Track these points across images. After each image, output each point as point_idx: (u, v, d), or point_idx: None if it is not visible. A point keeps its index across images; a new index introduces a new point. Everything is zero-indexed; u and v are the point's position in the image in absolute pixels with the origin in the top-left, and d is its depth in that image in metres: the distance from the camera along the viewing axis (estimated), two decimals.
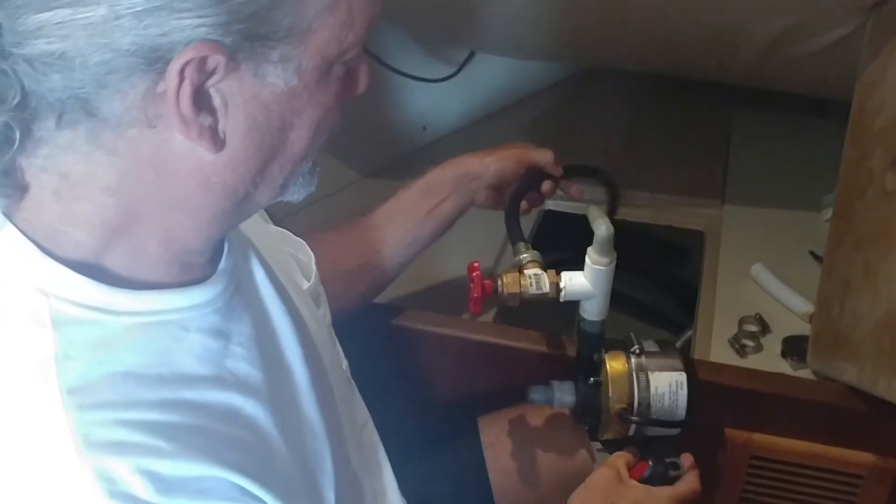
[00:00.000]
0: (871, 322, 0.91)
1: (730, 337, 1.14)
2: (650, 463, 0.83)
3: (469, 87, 1.65)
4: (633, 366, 0.86)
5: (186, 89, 0.49)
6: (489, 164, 0.99)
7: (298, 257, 0.82)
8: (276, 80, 0.51)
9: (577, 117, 1.73)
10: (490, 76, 1.70)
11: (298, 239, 0.84)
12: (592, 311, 0.87)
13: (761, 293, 1.23)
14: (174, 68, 0.48)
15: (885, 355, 0.88)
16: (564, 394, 0.88)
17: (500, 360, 0.99)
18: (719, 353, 1.12)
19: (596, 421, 0.88)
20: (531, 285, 0.83)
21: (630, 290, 1.62)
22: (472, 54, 1.60)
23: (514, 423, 1.00)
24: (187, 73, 0.48)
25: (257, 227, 0.73)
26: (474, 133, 1.66)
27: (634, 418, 0.84)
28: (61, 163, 0.52)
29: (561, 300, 0.84)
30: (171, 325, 0.57)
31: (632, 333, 0.90)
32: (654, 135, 1.66)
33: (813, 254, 1.27)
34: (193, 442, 0.54)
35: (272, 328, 0.66)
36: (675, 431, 0.86)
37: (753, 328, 1.15)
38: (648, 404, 0.85)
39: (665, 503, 0.81)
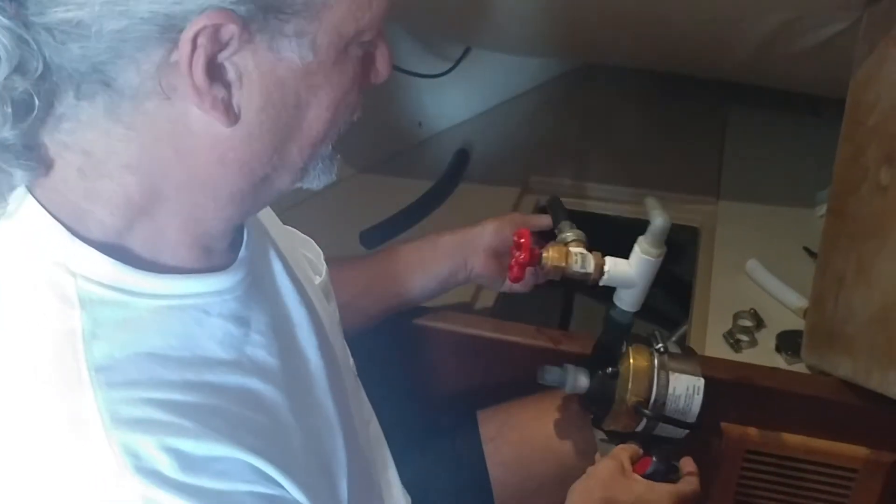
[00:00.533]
0: (866, 316, 0.92)
1: (724, 332, 1.15)
2: (654, 459, 0.83)
3: (465, 83, 1.65)
4: (657, 363, 0.86)
5: (200, 59, 0.49)
6: (486, 228, 0.99)
7: (307, 255, 0.83)
8: (291, 55, 0.51)
9: (572, 114, 1.73)
10: (486, 72, 1.70)
11: (306, 237, 0.85)
12: (628, 301, 0.86)
13: (756, 288, 1.23)
14: (187, 36, 0.48)
15: (880, 349, 0.88)
16: (579, 378, 0.87)
17: (499, 355, 0.99)
18: (714, 347, 1.13)
19: (604, 411, 0.87)
20: (576, 262, 0.82)
21: None
22: (468, 50, 1.60)
23: (514, 417, 1.00)
24: (200, 41, 0.48)
25: (272, 222, 0.73)
26: (470, 130, 1.67)
27: (648, 413, 0.84)
28: (83, 139, 0.52)
29: (601, 283, 0.84)
30: (193, 309, 0.57)
31: (656, 332, 0.90)
32: (649, 131, 1.66)
33: (807, 249, 1.28)
34: (215, 423, 0.54)
35: (289, 319, 0.66)
36: (682, 433, 0.86)
37: (748, 323, 1.16)
38: (664, 403, 0.85)
39: (667, 499, 0.81)
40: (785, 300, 1.19)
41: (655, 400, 0.85)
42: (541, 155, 1.59)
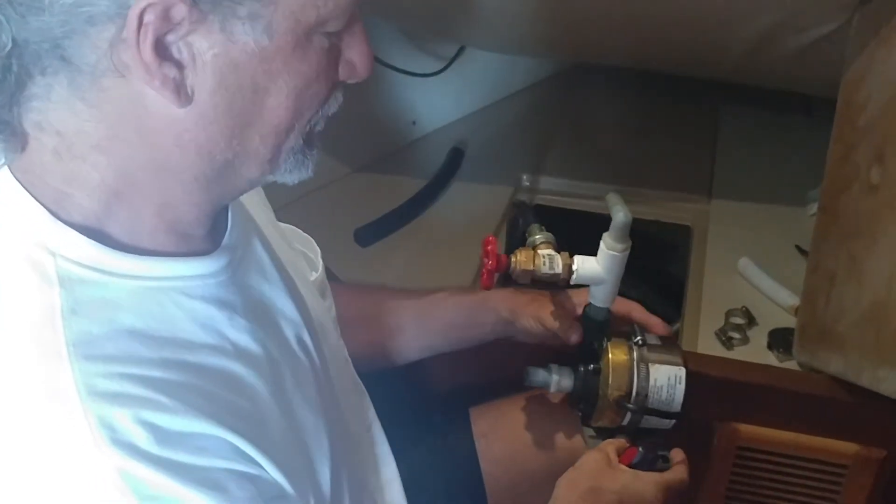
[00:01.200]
0: (857, 314, 0.93)
1: (716, 329, 1.15)
2: (640, 449, 0.84)
3: (459, 82, 1.65)
4: (635, 356, 0.87)
5: (148, 36, 0.49)
6: (536, 325, 0.94)
7: (306, 253, 0.83)
8: (245, 38, 0.51)
9: (566, 113, 1.73)
10: (480, 72, 1.70)
11: (306, 235, 0.85)
12: (600, 298, 0.87)
13: (748, 286, 1.24)
14: (134, 13, 0.48)
15: (870, 346, 0.89)
16: (563, 378, 0.89)
17: (491, 352, 0.99)
18: (706, 345, 1.14)
19: (591, 407, 0.88)
20: (544, 264, 0.83)
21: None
22: (462, 49, 1.60)
23: (506, 414, 1.00)
24: (148, 18, 0.49)
25: (265, 222, 0.74)
26: (463, 129, 1.66)
27: (631, 406, 0.85)
28: (55, 119, 0.53)
29: (571, 283, 0.85)
30: (173, 291, 0.58)
31: (635, 325, 0.91)
32: (642, 131, 1.66)
33: (799, 248, 1.28)
34: (193, 401, 0.54)
35: (274, 308, 0.67)
36: (668, 424, 0.87)
37: (740, 321, 1.17)
38: (646, 395, 0.86)
39: (652, 488, 0.82)
40: (777, 298, 1.20)
41: (637, 393, 0.86)
42: (534, 154, 1.59)
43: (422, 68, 1.55)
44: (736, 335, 1.14)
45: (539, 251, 0.84)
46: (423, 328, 0.97)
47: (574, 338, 0.89)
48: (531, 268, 0.83)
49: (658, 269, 1.56)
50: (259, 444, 0.57)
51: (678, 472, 0.85)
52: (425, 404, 1.04)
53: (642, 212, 1.44)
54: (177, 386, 0.54)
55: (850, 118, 1.03)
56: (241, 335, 0.60)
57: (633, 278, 1.72)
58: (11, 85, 0.52)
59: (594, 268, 0.84)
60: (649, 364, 0.87)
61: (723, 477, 1.07)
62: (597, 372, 0.88)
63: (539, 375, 0.89)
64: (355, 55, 0.57)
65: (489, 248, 0.82)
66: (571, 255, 0.85)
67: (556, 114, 1.73)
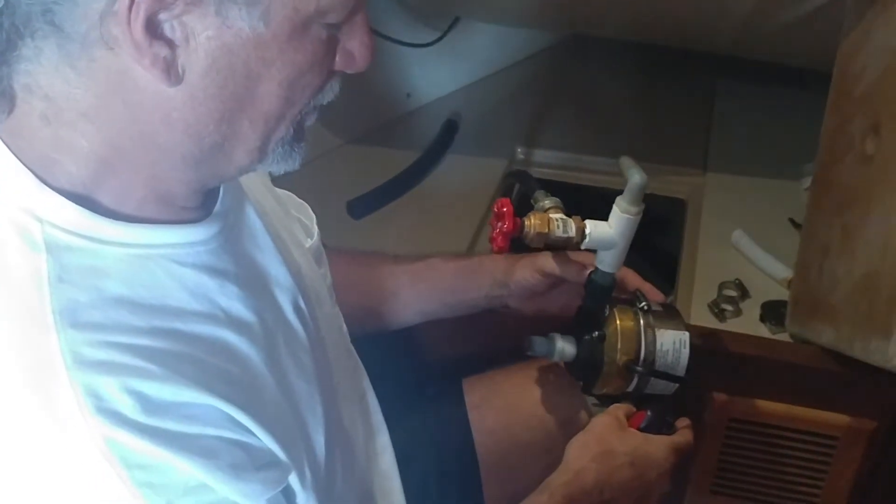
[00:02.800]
0: (850, 285, 0.93)
1: (709, 302, 1.15)
2: (648, 413, 0.85)
3: (453, 54, 1.64)
4: (642, 321, 0.87)
5: (140, 13, 0.48)
6: (534, 275, 0.94)
7: (301, 219, 0.83)
8: (240, 23, 0.50)
9: (561, 86, 1.72)
10: (475, 43, 1.69)
11: (301, 201, 0.85)
12: (608, 263, 0.86)
13: (741, 259, 1.24)
14: None
15: (863, 317, 0.89)
16: (566, 346, 0.88)
17: (484, 322, 0.99)
18: (699, 317, 1.14)
19: (594, 375, 0.88)
20: (558, 227, 0.82)
21: None
22: (456, 20, 1.59)
23: (499, 385, 1.00)
24: None
25: (259, 189, 0.73)
26: (458, 100, 1.65)
27: (640, 369, 0.85)
28: (45, 84, 0.52)
29: (583, 247, 0.84)
30: (163, 258, 0.57)
31: (637, 291, 0.91)
32: (637, 104, 1.65)
33: (792, 221, 1.28)
34: (184, 369, 0.54)
35: (268, 275, 0.66)
36: (672, 388, 0.87)
37: (733, 293, 1.17)
38: (653, 360, 0.86)
39: (663, 449, 0.83)
40: (770, 271, 1.20)
41: (645, 357, 0.86)
42: (528, 127, 1.58)
43: (416, 39, 1.53)
44: (729, 307, 1.14)
45: (551, 215, 0.83)
46: (417, 292, 0.96)
47: (582, 274, 0.88)
48: (546, 231, 0.81)
49: (652, 242, 1.55)
50: (251, 411, 0.57)
51: (685, 434, 0.87)
52: (418, 375, 1.04)
53: None
54: (166, 354, 0.54)
55: (846, 89, 1.02)
56: (232, 303, 0.60)
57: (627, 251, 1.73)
58: (2, 43, 0.51)
59: (607, 231, 0.83)
60: (655, 329, 0.87)
61: (714, 449, 1.08)
62: (601, 339, 0.87)
63: (542, 344, 0.88)
64: (355, 45, 0.56)
65: (505, 209, 0.81)
66: (583, 220, 0.84)
67: (551, 86, 1.72)
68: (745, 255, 1.24)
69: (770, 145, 1.49)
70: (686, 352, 0.87)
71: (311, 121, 0.59)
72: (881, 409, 0.99)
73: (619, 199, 0.83)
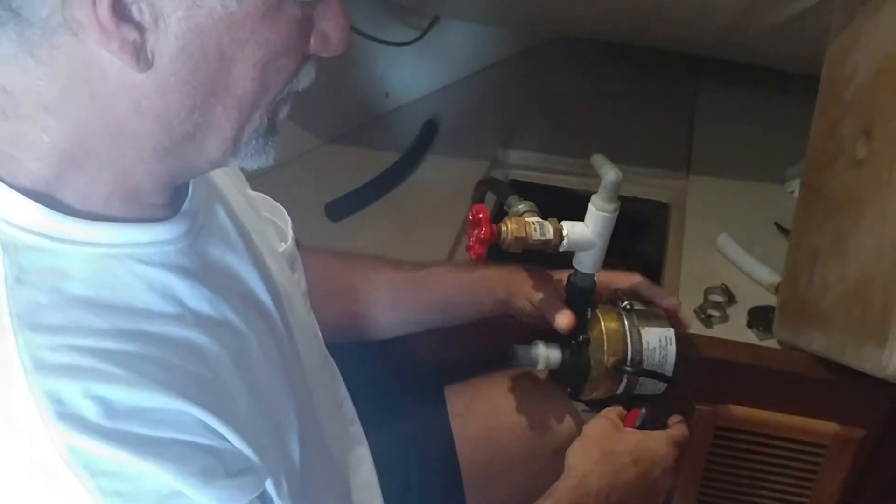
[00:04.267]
0: (842, 291, 0.91)
1: (696, 307, 1.13)
2: (643, 410, 0.84)
3: (433, 53, 1.62)
4: (626, 321, 0.85)
5: None
6: (528, 305, 0.90)
7: (276, 223, 0.80)
8: (211, 2, 0.48)
9: (543, 87, 1.71)
10: (455, 43, 1.68)
11: (277, 204, 0.82)
12: (588, 264, 0.84)
13: (727, 264, 1.23)
14: None
15: (855, 324, 0.87)
16: (551, 353, 0.86)
17: (467, 329, 0.96)
18: None
19: (582, 380, 0.86)
20: (535, 231, 0.80)
21: None
22: (436, 19, 1.56)
23: (482, 393, 0.98)
24: None
25: (231, 191, 0.70)
26: (438, 101, 1.64)
27: (629, 369, 0.83)
28: (2, 74, 0.50)
29: (561, 249, 0.82)
30: (129, 258, 0.54)
31: (617, 290, 0.89)
32: (620, 106, 1.64)
33: (778, 225, 1.27)
34: (152, 372, 0.52)
35: (239, 278, 0.64)
36: (661, 387, 0.85)
37: (719, 299, 1.15)
38: (641, 360, 0.85)
39: (664, 443, 0.82)
40: (756, 275, 1.19)
41: (632, 357, 0.84)
42: (510, 128, 1.57)
43: (395, 37, 1.51)
44: (715, 313, 1.12)
45: (527, 218, 0.81)
46: (418, 302, 0.94)
47: (565, 322, 0.85)
48: (524, 234, 0.79)
49: (636, 247, 1.54)
50: (224, 415, 0.54)
51: (681, 428, 0.86)
52: (399, 382, 1.01)
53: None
54: (132, 357, 0.52)
55: (836, 92, 1.01)
56: (202, 304, 0.58)
57: (610, 256, 1.72)
58: None
59: (584, 231, 0.82)
60: (640, 328, 0.85)
61: (701, 457, 1.06)
62: (587, 342, 0.85)
63: (526, 353, 0.86)
64: (330, 27, 0.54)
65: (481, 215, 0.78)
66: (559, 221, 0.82)
67: (532, 87, 1.71)
68: (731, 260, 1.23)
69: (754, 148, 1.49)
70: (672, 349, 0.86)
71: (285, 111, 0.57)
72: (870, 417, 0.98)
73: (594, 198, 0.82)
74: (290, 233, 0.81)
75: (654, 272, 1.34)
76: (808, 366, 0.98)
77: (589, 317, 0.87)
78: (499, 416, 0.95)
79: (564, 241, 0.81)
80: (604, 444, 0.82)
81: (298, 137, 1.46)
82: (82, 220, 0.53)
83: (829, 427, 1.00)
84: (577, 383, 0.87)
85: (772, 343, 1.06)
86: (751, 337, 1.09)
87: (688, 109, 1.62)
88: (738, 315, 1.13)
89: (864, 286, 0.87)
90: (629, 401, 0.87)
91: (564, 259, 0.88)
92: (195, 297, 0.57)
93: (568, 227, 0.81)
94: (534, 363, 0.87)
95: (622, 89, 1.70)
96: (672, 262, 1.26)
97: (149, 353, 0.53)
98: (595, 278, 0.87)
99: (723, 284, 1.17)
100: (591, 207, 0.82)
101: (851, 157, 0.95)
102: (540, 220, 0.81)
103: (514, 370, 0.97)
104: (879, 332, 0.81)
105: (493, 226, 0.79)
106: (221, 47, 0.49)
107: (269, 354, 0.64)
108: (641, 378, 0.85)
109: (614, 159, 1.45)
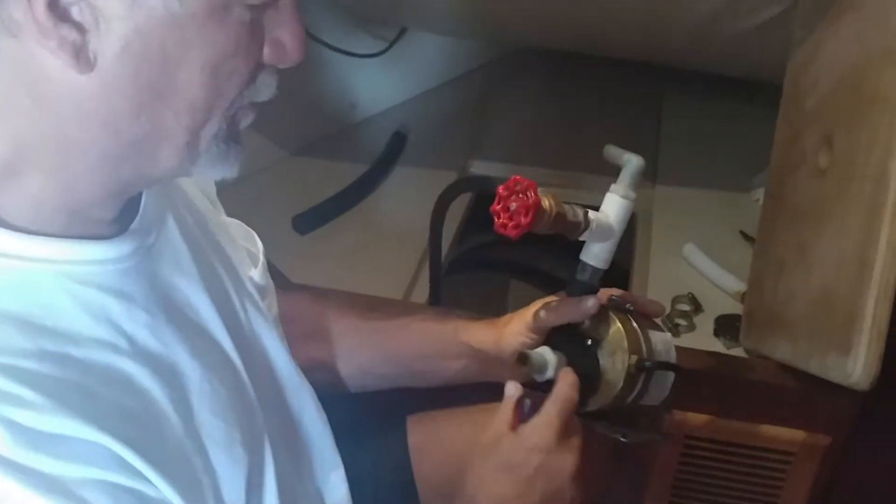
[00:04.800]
0: (806, 300, 0.91)
1: (663, 316, 1.13)
2: (526, 400, 0.72)
3: (401, 64, 1.62)
4: (635, 322, 0.79)
5: None
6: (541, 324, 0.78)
7: (249, 248, 0.76)
8: (154, 2, 0.46)
9: (510, 98, 1.71)
10: (423, 54, 1.67)
11: (249, 229, 0.78)
12: (602, 257, 0.78)
13: (693, 273, 1.23)
14: None
15: (819, 333, 0.87)
16: (561, 359, 0.75)
17: None
18: None
19: (592, 388, 0.77)
20: (568, 210, 0.72)
21: (561, 272, 1.59)
22: (403, 30, 1.56)
23: (443, 429, 0.90)
24: None
25: (199, 212, 0.68)
26: (406, 112, 1.63)
27: (649, 364, 0.76)
28: None
29: (582, 237, 0.75)
30: (64, 276, 0.52)
31: (612, 296, 0.81)
32: (586, 116, 1.65)
33: (744, 234, 1.28)
34: (71, 400, 0.48)
35: (188, 304, 0.61)
36: (666, 392, 0.80)
37: (686, 307, 1.16)
38: (657, 359, 0.78)
39: (537, 433, 0.68)
40: (722, 284, 1.19)
41: (649, 354, 0.78)
42: (478, 139, 1.57)
43: (363, 49, 1.50)
44: (682, 322, 1.12)
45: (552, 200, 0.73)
46: (379, 354, 0.86)
47: (592, 302, 0.75)
48: (563, 212, 0.71)
49: None
50: (147, 452, 0.51)
51: (559, 395, 0.70)
52: (360, 409, 0.96)
53: (586, 198, 1.42)
54: (52, 381, 0.48)
55: (797, 102, 1.01)
56: (139, 330, 0.54)
57: (576, 266, 1.72)
58: None
59: (606, 219, 0.77)
60: (648, 330, 0.80)
61: (670, 467, 1.06)
62: (594, 346, 0.78)
63: (540, 359, 0.75)
64: (284, 34, 0.52)
65: (526, 182, 0.69)
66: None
67: (500, 98, 1.71)
68: (697, 269, 1.23)
69: (719, 157, 1.49)
70: (674, 354, 0.81)
71: (246, 120, 0.55)
72: (836, 424, 0.99)
73: (615, 187, 0.77)
74: (262, 258, 0.77)
75: (621, 281, 1.34)
76: (774, 374, 0.98)
77: (600, 319, 0.79)
78: (458, 458, 0.84)
79: (592, 226, 0.75)
80: (501, 458, 0.69)
81: (264, 149, 1.44)
82: (16, 233, 0.50)
83: (795, 434, 1.00)
84: (584, 392, 0.77)
85: (738, 351, 1.07)
86: (718, 345, 1.09)
87: (653, 119, 1.63)
88: (705, 324, 1.13)
89: (827, 295, 0.87)
90: (631, 415, 0.80)
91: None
92: (133, 323, 0.54)
93: (591, 213, 0.76)
94: (542, 371, 0.76)
95: (588, 100, 1.70)
96: (639, 271, 1.27)
97: (70, 378, 0.50)
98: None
99: (689, 293, 1.17)
100: (612, 197, 0.77)
101: (814, 166, 0.95)
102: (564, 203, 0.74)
103: (476, 407, 0.89)
104: (843, 341, 0.82)
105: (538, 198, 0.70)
106: (165, 49, 0.48)
107: (217, 390, 0.60)
108: (649, 386, 0.78)
109: (581, 168, 1.47)
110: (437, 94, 1.70)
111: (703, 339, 1.11)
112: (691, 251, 1.25)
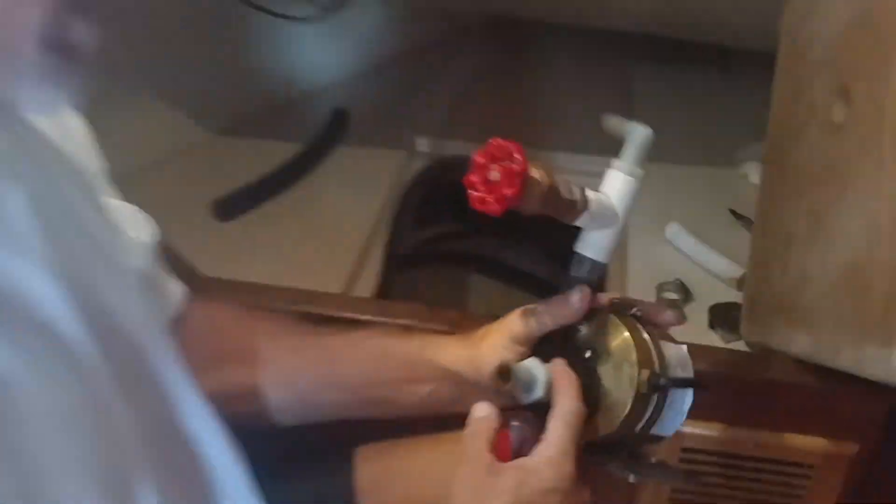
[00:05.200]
0: (827, 281, 0.77)
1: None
2: (511, 432, 0.60)
3: (343, 34, 1.50)
4: (645, 331, 0.64)
5: None
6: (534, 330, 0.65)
7: (138, 236, 0.65)
8: None
9: (466, 71, 1.59)
10: (368, 24, 1.55)
11: (143, 215, 0.66)
12: (603, 247, 0.65)
13: (679, 256, 1.12)
14: None
15: (849, 319, 0.73)
16: (549, 375, 0.62)
17: None
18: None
19: (592, 409, 0.61)
20: (563, 187, 0.59)
21: (528, 265, 1.51)
22: None
23: (401, 463, 0.76)
24: None
25: (76, 191, 0.55)
26: (349, 87, 1.50)
27: (664, 381, 0.61)
28: None
29: (578, 222, 0.62)
30: None
31: (613, 300, 0.66)
32: (549, 91, 1.54)
33: (733, 212, 1.19)
34: None
35: (23, 296, 0.47)
36: (682, 420, 0.63)
37: (674, 296, 1.04)
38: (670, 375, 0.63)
39: (548, 467, 0.57)
40: (714, 268, 1.08)
41: (663, 369, 0.62)
42: (429, 115, 1.43)
43: (298, 11, 1.34)
44: None
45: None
46: (321, 378, 0.71)
47: (577, 296, 0.62)
48: (556, 185, 0.58)
49: (573, 243, 1.41)
50: None
51: (563, 404, 0.59)
52: (296, 436, 0.77)
53: (556, 180, 1.30)
54: None
55: (798, 55, 0.88)
56: None
57: (544, 254, 1.59)
58: None
59: (608, 201, 0.64)
60: (660, 341, 0.64)
61: (664, 486, 0.91)
62: (594, 359, 0.63)
63: (526, 374, 0.61)
64: None
65: (511, 146, 0.55)
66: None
67: (455, 72, 1.58)
68: (684, 252, 1.12)
69: (697, 131, 1.40)
70: (692, 369, 0.66)
71: (80, 28, 0.41)
72: (864, 429, 0.84)
73: (618, 163, 0.67)
74: (153, 247, 0.64)
75: None
76: (787, 371, 0.84)
77: (593, 325, 0.64)
78: (418, 499, 0.74)
79: (592, 207, 0.61)
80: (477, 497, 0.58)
81: (185, 126, 1.29)
82: None
83: (815, 443, 0.86)
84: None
85: (740, 345, 0.94)
86: (714, 339, 0.97)
87: (624, 93, 1.53)
88: (698, 314, 1.01)
89: (857, 273, 0.72)
90: (639, 448, 0.64)
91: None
92: None
93: (590, 193, 0.63)
94: (531, 387, 0.61)
95: (550, 73, 1.60)
96: (617, 257, 1.13)
97: None
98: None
99: (677, 279, 1.06)
100: (613, 174, 0.66)
101: (826, 122, 0.82)
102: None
103: (442, 436, 0.75)
104: (883, 329, 0.67)
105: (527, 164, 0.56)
106: None
107: (60, 405, 0.46)
108: (664, 409, 0.62)
109: (549, 147, 1.34)
110: (384, 67, 1.56)
111: (697, 332, 0.98)
112: (676, 232, 1.12)
